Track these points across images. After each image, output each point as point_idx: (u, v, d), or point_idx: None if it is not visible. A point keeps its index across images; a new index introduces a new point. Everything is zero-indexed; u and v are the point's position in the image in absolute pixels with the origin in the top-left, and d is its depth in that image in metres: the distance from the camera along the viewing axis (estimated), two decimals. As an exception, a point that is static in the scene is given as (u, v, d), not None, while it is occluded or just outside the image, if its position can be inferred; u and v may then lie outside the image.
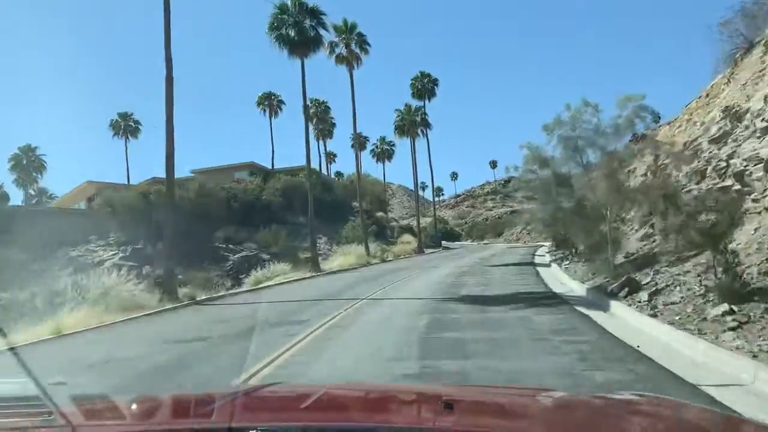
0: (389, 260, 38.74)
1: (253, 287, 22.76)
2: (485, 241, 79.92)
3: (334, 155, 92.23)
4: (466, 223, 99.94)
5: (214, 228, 44.32)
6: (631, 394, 2.36)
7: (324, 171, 73.13)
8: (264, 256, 42.05)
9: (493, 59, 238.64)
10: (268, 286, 21.86)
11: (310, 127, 70.66)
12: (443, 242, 70.86)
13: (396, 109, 51.14)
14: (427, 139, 59.41)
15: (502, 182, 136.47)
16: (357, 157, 40.96)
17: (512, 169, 17.56)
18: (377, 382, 5.79)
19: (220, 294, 19.94)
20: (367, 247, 37.73)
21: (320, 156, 65.85)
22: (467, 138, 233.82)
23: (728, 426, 1.98)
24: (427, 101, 58.29)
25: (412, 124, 50.34)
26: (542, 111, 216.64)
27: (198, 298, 17.91)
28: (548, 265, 23.05)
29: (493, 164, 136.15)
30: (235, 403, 2.12)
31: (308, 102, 69.07)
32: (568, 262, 21.00)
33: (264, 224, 46.78)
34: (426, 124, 52.36)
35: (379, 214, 64.63)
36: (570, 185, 15.57)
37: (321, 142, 76.74)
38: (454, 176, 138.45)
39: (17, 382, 1.99)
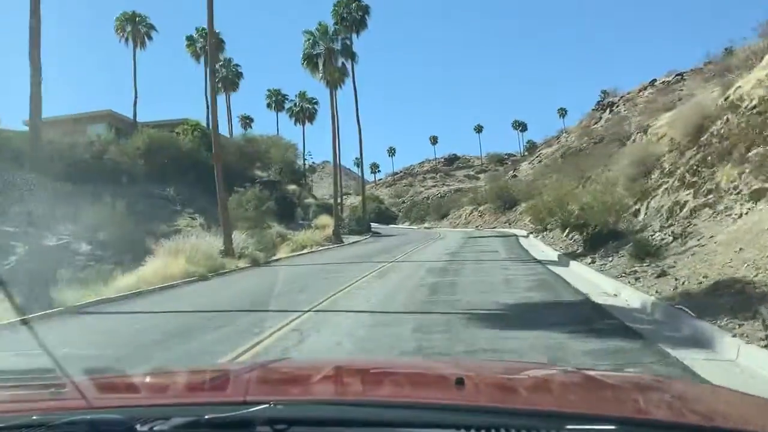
0: (272, 262, 21.43)
1: None
2: (426, 225, 63.59)
3: (250, 119, 72.88)
4: (403, 202, 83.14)
5: (9, 203, 25.21)
6: (644, 373, 2.34)
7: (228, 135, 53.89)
8: (82, 248, 23.50)
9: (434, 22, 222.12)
10: None
11: (201, 69, 51.67)
12: (375, 225, 54.09)
13: (305, 31, 33.08)
14: (354, 82, 42.02)
15: (443, 160, 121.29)
16: (210, 69, 22.26)
17: None
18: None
19: None
20: (228, 239, 20.23)
21: (208, 109, 46.71)
22: (405, 110, 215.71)
23: (743, 403, 1.79)
24: (355, 35, 40.85)
25: (330, 53, 32.72)
26: (487, 84, 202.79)
27: None
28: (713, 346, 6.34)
29: (434, 140, 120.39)
30: (249, 377, 2.03)
31: (196, 34, 50.21)
32: None
33: (110, 197, 28.46)
34: (350, 55, 34.79)
35: (291, 187, 46.90)
36: None
37: (224, 95, 57.81)
38: (392, 152, 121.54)
39: (31, 355, 1.97)
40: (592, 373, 2.14)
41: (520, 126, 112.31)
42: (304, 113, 59.31)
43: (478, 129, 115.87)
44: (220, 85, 57.52)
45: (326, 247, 28.94)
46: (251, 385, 1.87)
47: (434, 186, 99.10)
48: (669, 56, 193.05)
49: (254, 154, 42.00)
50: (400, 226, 66.27)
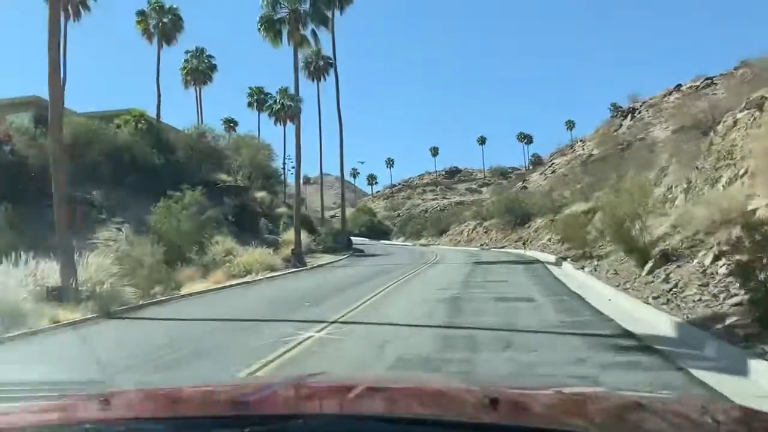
0: (147, 306, 12.63)
1: None
2: (422, 241, 54.88)
3: (234, 122, 64.31)
4: (399, 215, 74.13)
5: None
6: (682, 395, 2.12)
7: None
8: None
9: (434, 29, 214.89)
10: None
11: (155, 52, 42.51)
12: (362, 240, 45.36)
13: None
14: (336, 71, 33.62)
15: (444, 172, 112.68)
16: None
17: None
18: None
19: None
20: (69, 268, 11.60)
21: (160, 98, 37.94)
22: (405, 120, 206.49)
23: None
24: (338, 11, 32.57)
25: (296, 17, 24.29)
26: (490, 96, 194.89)
27: None
28: None
29: (434, 151, 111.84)
30: (287, 391, 2.01)
31: (149, 8, 41.78)
32: None
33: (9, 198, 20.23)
34: (322, 20, 26.32)
35: (261, 194, 38.29)
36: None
37: (194, 88, 49.32)
38: (390, 163, 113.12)
39: (64, 367, 2.28)
40: (630, 395, 2.07)
41: (526, 138, 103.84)
42: (286, 111, 50.83)
43: (481, 141, 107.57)
44: (189, 77, 49.37)
45: (276, 274, 20.28)
46: (290, 399, 1.86)
47: (434, 199, 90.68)
48: (675, 69, 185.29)
49: (210, 150, 33.52)
50: (393, 242, 57.54)
